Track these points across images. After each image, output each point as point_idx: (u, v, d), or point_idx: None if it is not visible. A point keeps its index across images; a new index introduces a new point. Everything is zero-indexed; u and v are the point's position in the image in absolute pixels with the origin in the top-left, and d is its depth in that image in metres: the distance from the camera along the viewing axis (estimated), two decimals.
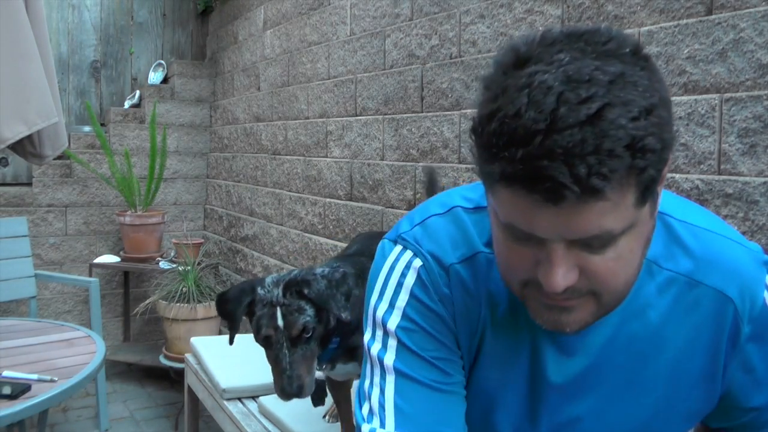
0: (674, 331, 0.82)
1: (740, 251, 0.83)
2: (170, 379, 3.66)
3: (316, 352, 1.33)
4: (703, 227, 0.84)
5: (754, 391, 0.85)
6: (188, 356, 2.55)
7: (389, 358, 0.84)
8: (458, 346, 0.85)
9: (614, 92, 0.61)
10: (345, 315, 1.30)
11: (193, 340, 2.59)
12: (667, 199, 0.84)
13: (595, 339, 0.82)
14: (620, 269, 0.70)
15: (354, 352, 1.44)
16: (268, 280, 1.36)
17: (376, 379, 0.85)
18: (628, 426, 0.86)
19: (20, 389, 1.79)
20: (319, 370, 1.46)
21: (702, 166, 1.40)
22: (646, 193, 0.65)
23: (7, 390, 1.76)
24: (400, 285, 0.85)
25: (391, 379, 0.84)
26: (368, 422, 0.84)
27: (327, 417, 1.92)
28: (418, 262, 0.84)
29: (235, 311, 1.35)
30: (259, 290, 1.34)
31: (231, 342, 1.40)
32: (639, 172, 0.62)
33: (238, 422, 2.00)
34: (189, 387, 2.53)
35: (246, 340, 2.72)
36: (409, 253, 0.85)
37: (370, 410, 0.85)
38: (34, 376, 1.89)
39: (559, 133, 0.60)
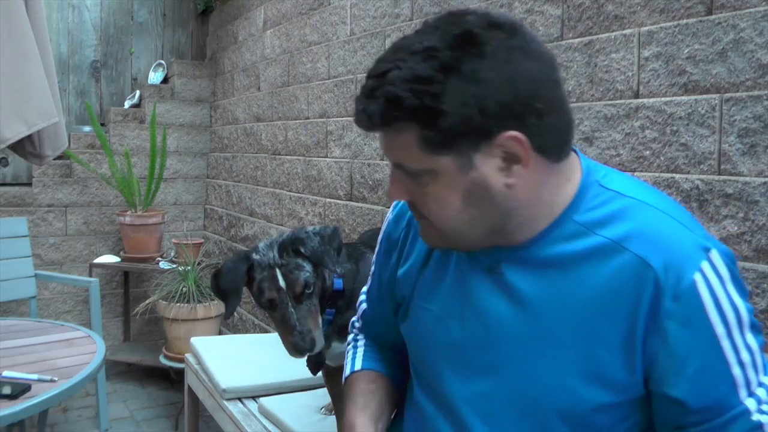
0: (595, 292, 0.86)
1: (681, 231, 0.87)
2: (170, 379, 3.66)
3: (318, 307, 1.36)
4: (651, 204, 0.89)
5: (676, 379, 0.86)
6: (188, 356, 2.55)
7: (373, 269, 1.20)
8: (396, 287, 1.10)
9: (407, 60, 0.80)
10: (339, 270, 1.36)
11: (193, 340, 2.59)
12: (625, 181, 0.94)
13: (521, 286, 0.91)
14: (436, 210, 0.88)
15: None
16: (261, 245, 1.38)
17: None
18: (548, 379, 0.90)
19: (20, 389, 1.79)
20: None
21: (702, 166, 1.40)
22: (437, 146, 0.82)
23: (7, 390, 1.76)
24: (381, 230, 1.16)
25: (369, 282, 1.23)
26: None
27: (323, 409, 1.95)
28: (390, 214, 1.13)
29: (234, 282, 1.35)
30: (254, 256, 1.35)
31: (228, 317, 1.39)
32: (425, 121, 0.81)
33: (238, 422, 2.00)
34: (189, 387, 2.53)
35: (246, 340, 2.73)
36: (390, 207, 1.15)
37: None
38: (34, 376, 1.89)
39: (366, 80, 0.85)
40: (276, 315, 1.33)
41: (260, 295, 1.33)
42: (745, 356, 0.87)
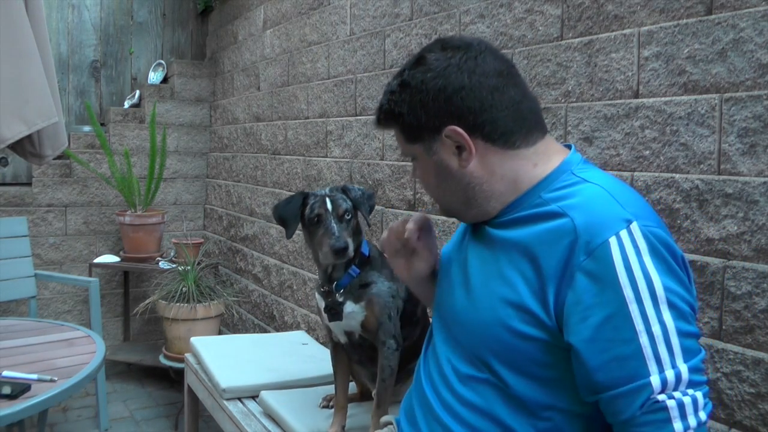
0: (530, 241, 1.03)
1: (613, 205, 0.99)
2: (170, 379, 3.66)
3: (352, 232, 1.71)
4: (602, 186, 1.02)
5: (579, 326, 0.94)
6: (188, 356, 2.55)
7: None
8: None
9: (393, 78, 1.13)
10: (368, 219, 1.77)
11: (193, 340, 2.59)
12: (597, 173, 1.09)
13: (491, 235, 1.12)
14: (425, 185, 1.19)
15: (365, 290, 1.72)
16: (317, 190, 1.80)
17: None
18: (486, 311, 1.07)
19: (20, 389, 1.79)
20: (329, 300, 1.75)
21: (702, 166, 1.40)
22: (410, 138, 1.13)
23: (7, 390, 1.76)
24: None
25: None
26: None
27: (322, 403, 1.98)
28: None
29: (292, 211, 1.74)
30: (310, 191, 1.76)
31: (289, 236, 1.74)
32: (396, 121, 1.13)
33: (238, 422, 2.00)
34: (189, 387, 2.53)
35: (246, 340, 2.73)
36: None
37: None
38: (34, 376, 1.89)
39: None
40: (320, 229, 1.68)
41: (311, 212, 1.70)
42: (656, 329, 0.91)
